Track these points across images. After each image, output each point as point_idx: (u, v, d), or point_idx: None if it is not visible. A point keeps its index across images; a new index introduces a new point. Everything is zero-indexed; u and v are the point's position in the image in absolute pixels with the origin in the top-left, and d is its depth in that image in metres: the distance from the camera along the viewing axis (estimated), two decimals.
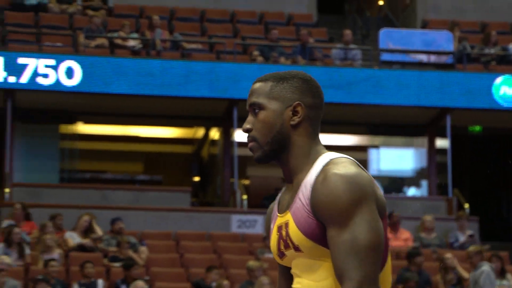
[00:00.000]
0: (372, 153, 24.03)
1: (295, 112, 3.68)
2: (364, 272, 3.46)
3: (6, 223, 18.06)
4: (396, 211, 19.93)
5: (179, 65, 20.63)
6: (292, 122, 3.67)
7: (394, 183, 24.42)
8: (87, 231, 18.21)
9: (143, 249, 18.02)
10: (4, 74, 20.06)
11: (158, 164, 23.81)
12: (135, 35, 22.10)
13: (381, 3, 29.14)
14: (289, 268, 3.77)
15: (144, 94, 20.25)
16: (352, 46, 22.61)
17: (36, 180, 21.37)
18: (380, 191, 3.63)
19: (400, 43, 23.58)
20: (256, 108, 3.71)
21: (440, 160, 22.99)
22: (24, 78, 20.08)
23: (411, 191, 24.36)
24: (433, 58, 23.78)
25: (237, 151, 21.41)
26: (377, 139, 24.07)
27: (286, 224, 3.66)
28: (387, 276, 3.68)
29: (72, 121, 22.49)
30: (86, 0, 23.36)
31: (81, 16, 22.78)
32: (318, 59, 22.16)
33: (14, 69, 20.10)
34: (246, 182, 23.95)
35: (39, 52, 20.77)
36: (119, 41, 21.64)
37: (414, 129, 23.15)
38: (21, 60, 20.20)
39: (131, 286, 15.73)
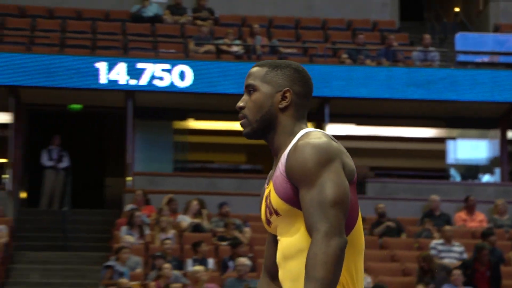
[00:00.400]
0: (450, 144, 23.64)
1: (284, 97, 3.71)
2: (330, 223, 3.43)
3: (129, 207, 18.56)
4: (472, 195, 19.97)
5: None
6: (280, 106, 3.70)
7: (470, 171, 24.13)
8: (197, 214, 18.47)
9: (247, 230, 18.18)
10: (126, 77, 20.28)
11: (259, 154, 23.64)
12: (238, 41, 22.20)
13: (457, 10, 28.72)
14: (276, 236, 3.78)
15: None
16: (431, 48, 22.37)
17: (153, 170, 21.59)
18: (349, 160, 3.63)
19: (474, 46, 23.56)
20: (251, 89, 3.76)
21: (511, 150, 23.01)
22: (143, 81, 20.33)
23: (485, 178, 23.96)
24: (504, 59, 23.75)
25: None
26: (454, 132, 23.79)
27: (269, 193, 3.69)
28: (358, 237, 3.66)
29: (184, 118, 22.64)
30: (196, 11, 23.37)
31: (191, 25, 22.88)
32: (401, 61, 22.08)
33: (135, 73, 20.33)
34: None
35: (156, 58, 21.05)
36: (224, 47, 21.73)
37: (488, 122, 22.96)
38: (140, 65, 20.42)
39: (237, 262, 16.03)
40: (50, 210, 20.90)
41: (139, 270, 16.57)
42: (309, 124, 3.83)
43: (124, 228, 17.65)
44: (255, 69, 3.78)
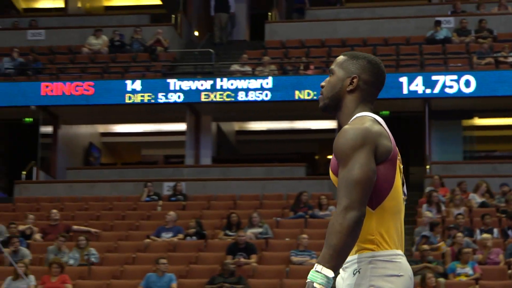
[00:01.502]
0: None
1: (351, 82, 3.58)
2: (350, 199, 3.30)
3: (428, 189, 18.45)
4: None
5: None
6: (347, 89, 3.58)
7: None
8: (484, 193, 18.09)
9: None
10: (423, 87, 20.26)
11: None
12: None
13: None
14: None
15: None
16: None
17: (447, 159, 21.25)
18: (387, 141, 3.45)
19: None
20: (331, 72, 3.64)
21: None
22: (436, 89, 20.24)
23: None
24: None
25: None
26: None
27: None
28: (391, 204, 3.46)
29: (471, 117, 22.27)
30: (478, 32, 22.98)
31: (474, 43, 22.49)
32: None
33: (430, 84, 20.28)
34: None
35: (446, 71, 20.82)
36: (501, 59, 21.30)
37: None
38: (434, 77, 20.35)
39: None
40: None
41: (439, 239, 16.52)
42: None
43: (424, 206, 17.64)
44: (340, 57, 3.68)
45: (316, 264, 3.29)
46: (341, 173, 3.39)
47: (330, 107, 3.63)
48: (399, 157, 3.55)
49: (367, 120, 3.47)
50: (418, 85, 20.47)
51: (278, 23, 25.07)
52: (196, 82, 21.08)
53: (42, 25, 25.55)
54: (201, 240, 17.02)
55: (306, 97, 20.41)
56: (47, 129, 22.46)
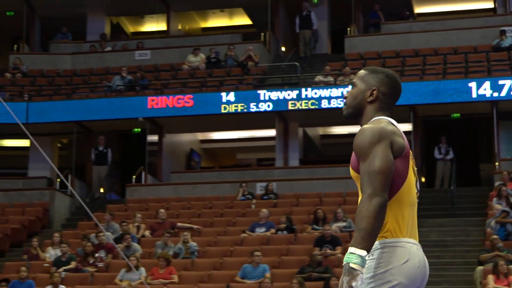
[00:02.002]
0: None
1: (372, 94, 3.66)
2: (373, 188, 3.37)
3: (497, 183, 17.95)
4: None
5: None
6: (368, 99, 3.66)
7: None
8: None
9: None
10: (491, 91, 19.87)
11: None
12: None
13: None
14: None
15: None
16: None
17: None
18: (401, 139, 3.52)
19: None
20: (353, 85, 3.72)
21: None
22: (503, 93, 19.83)
23: None
24: None
25: None
26: None
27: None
28: (404, 196, 3.52)
29: None
30: None
31: None
32: None
33: (497, 88, 19.88)
34: None
35: (511, 75, 20.34)
36: None
37: None
38: (501, 82, 19.95)
39: None
40: (442, 189, 20.78)
41: None
42: None
43: (494, 199, 17.18)
44: (361, 71, 3.76)
45: (350, 247, 3.33)
46: (363, 167, 3.47)
47: (352, 115, 3.73)
48: (411, 156, 3.61)
49: (382, 121, 3.56)
50: (486, 89, 20.05)
51: (357, 37, 24.89)
52: (283, 92, 21.13)
53: (148, 46, 25.93)
54: (291, 234, 16.99)
55: None
56: (154, 138, 22.76)
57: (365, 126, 3.55)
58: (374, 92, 3.65)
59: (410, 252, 3.47)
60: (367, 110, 3.67)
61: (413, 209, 3.57)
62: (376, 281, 3.42)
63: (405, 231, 3.50)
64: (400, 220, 3.50)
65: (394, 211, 3.48)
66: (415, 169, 3.65)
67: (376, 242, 3.45)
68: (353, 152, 3.58)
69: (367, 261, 3.39)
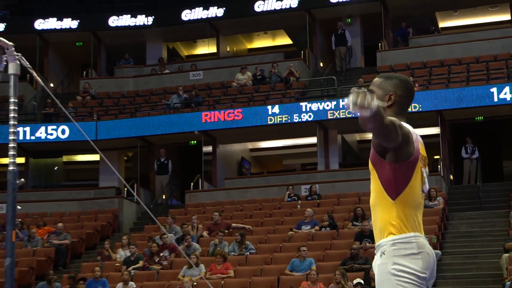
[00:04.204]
0: None
1: (389, 98, 3.56)
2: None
3: None
4: None
5: None
6: (386, 104, 3.56)
7: None
8: None
9: None
10: (510, 95, 19.47)
11: None
12: None
13: None
14: None
15: None
16: None
17: None
18: (413, 143, 3.44)
19: None
20: (371, 92, 3.55)
21: None
22: None
23: None
24: None
25: None
26: None
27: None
28: (408, 197, 3.44)
29: None
30: None
31: None
32: None
33: None
34: None
35: None
36: None
37: None
38: None
39: None
40: (469, 185, 20.60)
41: None
42: None
43: None
44: (375, 79, 3.66)
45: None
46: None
47: None
48: (423, 162, 3.51)
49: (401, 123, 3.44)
50: (506, 94, 19.78)
51: (387, 51, 24.78)
52: (323, 103, 21.18)
53: (200, 67, 26.20)
54: (333, 230, 17.01)
55: (413, 110, 20.06)
56: (208, 148, 22.97)
57: None
58: (392, 96, 3.56)
59: (419, 245, 3.41)
60: (387, 114, 3.45)
61: (417, 210, 3.49)
62: (397, 277, 3.34)
63: (411, 227, 3.43)
64: (404, 219, 3.42)
65: (400, 210, 3.42)
66: (425, 175, 3.53)
67: (385, 241, 3.41)
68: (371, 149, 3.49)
69: (382, 259, 3.38)
